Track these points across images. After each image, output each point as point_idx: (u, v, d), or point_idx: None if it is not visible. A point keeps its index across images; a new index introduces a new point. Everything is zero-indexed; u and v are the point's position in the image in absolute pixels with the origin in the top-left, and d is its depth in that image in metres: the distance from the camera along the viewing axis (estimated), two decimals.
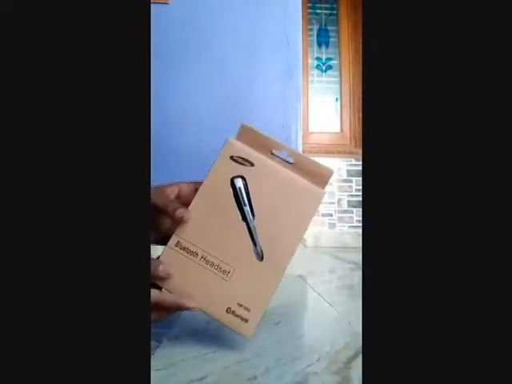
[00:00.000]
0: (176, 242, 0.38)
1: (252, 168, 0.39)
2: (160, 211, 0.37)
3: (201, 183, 0.40)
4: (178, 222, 0.37)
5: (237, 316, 0.37)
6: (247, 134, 0.41)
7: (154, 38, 1.03)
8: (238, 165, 0.40)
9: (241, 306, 0.37)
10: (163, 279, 0.37)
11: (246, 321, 0.37)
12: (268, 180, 0.39)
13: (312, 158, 0.40)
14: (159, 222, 0.40)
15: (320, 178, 0.39)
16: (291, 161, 0.40)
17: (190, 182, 0.41)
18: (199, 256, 0.38)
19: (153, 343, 0.42)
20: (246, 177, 0.39)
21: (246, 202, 0.38)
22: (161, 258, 0.38)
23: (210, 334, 0.47)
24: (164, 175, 1.16)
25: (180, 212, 0.36)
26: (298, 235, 0.38)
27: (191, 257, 0.38)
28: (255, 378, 0.35)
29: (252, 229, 0.38)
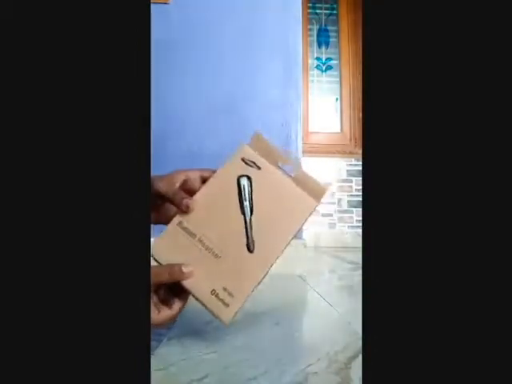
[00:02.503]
0: (178, 221, 0.42)
1: (258, 171, 0.44)
2: (167, 199, 0.42)
3: (207, 170, 0.45)
4: (184, 211, 0.41)
5: (219, 299, 0.38)
6: (259, 143, 0.46)
7: (153, 37, 1.03)
8: (246, 166, 0.44)
9: (225, 290, 0.38)
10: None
11: (227, 305, 0.38)
12: (270, 183, 0.44)
13: (311, 175, 0.45)
14: (164, 207, 0.45)
15: (316, 192, 0.44)
16: (292, 175, 0.45)
17: (196, 170, 0.45)
18: (197, 237, 0.41)
19: (153, 343, 0.42)
20: (251, 177, 0.44)
21: (248, 197, 0.42)
22: (162, 234, 0.42)
23: (210, 334, 0.47)
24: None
25: (186, 202, 0.40)
26: (286, 237, 0.41)
27: (189, 237, 0.41)
28: (255, 378, 0.35)
29: (247, 223, 0.41)
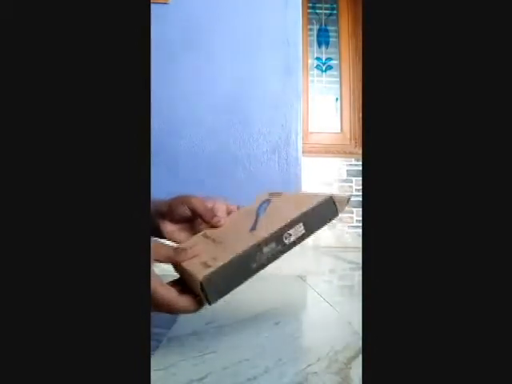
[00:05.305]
0: (203, 233, 0.48)
1: (279, 196, 0.51)
2: (198, 215, 0.48)
3: (233, 205, 0.52)
4: (214, 226, 0.48)
5: (203, 264, 0.38)
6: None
7: (153, 37, 1.02)
8: (270, 196, 0.53)
9: (214, 259, 0.38)
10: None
11: (209, 267, 0.37)
12: (288, 197, 0.50)
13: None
14: (194, 222, 0.51)
15: (338, 201, 0.44)
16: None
17: (224, 202, 0.52)
18: (210, 238, 0.46)
19: (153, 343, 0.42)
20: (271, 200, 0.51)
21: (264, 207, 0.48)
22: (187, 241, 0.48)
23: (210, 334, 0.47)
24: (164, 175, 1.16)
25: (216, 218, 0.48)
26: (285, 218, 0.41)
27: (204, 238, 0.46)
28: (255, 378, 0.35)
29: (257, 217, 0.46)
